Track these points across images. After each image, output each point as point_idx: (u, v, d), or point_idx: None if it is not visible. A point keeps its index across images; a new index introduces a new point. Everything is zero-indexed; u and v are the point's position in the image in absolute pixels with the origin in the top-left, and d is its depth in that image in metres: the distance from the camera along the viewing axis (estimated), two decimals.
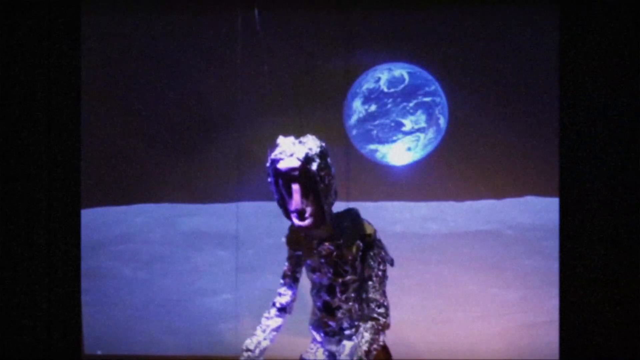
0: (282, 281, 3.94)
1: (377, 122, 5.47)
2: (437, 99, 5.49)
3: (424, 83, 5.48)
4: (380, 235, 3.73)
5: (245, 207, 5.49)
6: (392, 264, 3.81)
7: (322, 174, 3.62)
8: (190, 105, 5.56)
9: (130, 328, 5.57)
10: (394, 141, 5.46)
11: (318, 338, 3.89)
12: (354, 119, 5.50)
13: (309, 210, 3.67)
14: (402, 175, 5.51)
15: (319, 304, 3.85)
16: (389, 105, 5.46)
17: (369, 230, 3.77)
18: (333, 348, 3.89)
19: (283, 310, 3.94)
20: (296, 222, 3.68)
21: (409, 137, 5.46)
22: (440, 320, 5.43)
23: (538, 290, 5.39)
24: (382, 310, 3.75)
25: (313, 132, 3.60)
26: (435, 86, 5.48)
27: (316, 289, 3.86)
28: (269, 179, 3.70)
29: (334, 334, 3.85)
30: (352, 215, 3.82)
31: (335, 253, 3.75)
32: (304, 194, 3.65)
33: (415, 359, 5.35)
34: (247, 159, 5.44)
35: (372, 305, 3.74)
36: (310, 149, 3.61)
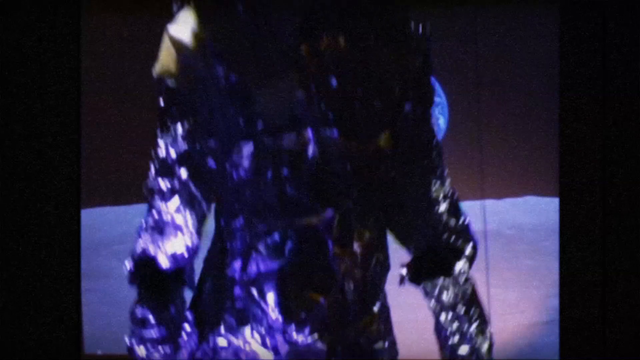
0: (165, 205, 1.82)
1: None
2: (437, 99, 5.49)
3: None
4: None
5: None
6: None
7: None
8: None
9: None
10: None
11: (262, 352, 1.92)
12: None
13: None
14: None
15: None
16: None
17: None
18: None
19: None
20: None
21: None
22: None
23: (538, 290, 5.38)
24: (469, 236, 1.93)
25: None
26: (435, 86, 5.48)
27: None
28: None
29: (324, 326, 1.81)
30: None
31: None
32: None
33: (415, 359, 5.35)
34: None
35: (445, 227, 1.87)
36: None
